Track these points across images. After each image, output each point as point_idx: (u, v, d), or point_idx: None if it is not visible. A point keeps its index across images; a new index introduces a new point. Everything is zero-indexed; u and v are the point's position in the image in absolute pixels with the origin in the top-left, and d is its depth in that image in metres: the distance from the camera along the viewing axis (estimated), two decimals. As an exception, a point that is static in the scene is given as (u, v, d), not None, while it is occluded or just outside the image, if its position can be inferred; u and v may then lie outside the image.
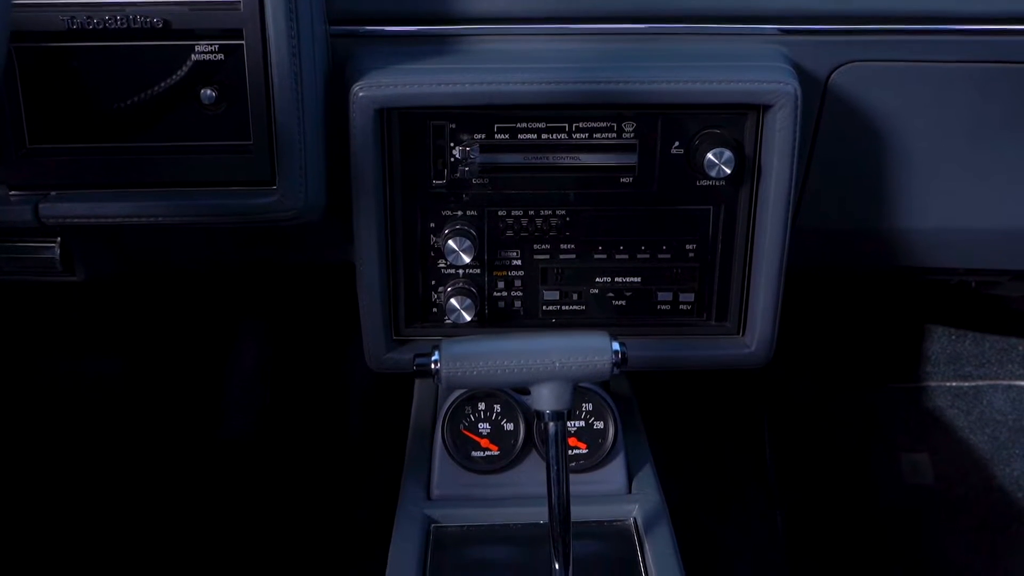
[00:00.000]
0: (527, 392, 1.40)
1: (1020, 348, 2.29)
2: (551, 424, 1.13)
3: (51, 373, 2.14)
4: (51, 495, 2.08)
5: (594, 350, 1.12)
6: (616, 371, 1.13)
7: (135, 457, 2.12)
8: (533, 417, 1.41)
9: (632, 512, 1.36)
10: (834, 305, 2.25)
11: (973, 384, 2.27)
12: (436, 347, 1.13)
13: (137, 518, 2.08)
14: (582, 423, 1.42)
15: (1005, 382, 2.27)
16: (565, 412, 1.14)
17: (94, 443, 2.12)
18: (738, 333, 1.47)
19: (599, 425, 1.42)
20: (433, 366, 1.12)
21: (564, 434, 1.14)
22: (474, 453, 1.41)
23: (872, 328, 2.30)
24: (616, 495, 1.40)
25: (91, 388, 2.14)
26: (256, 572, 2.04)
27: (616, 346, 1.12)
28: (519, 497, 1.38)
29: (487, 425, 1.42)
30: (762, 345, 1.45)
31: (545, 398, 1.12)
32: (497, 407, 1.42)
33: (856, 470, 2.20)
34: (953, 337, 2.29)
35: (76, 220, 1.29)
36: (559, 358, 1.11)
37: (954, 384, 2.28)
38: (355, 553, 1.71)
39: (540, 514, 1.33)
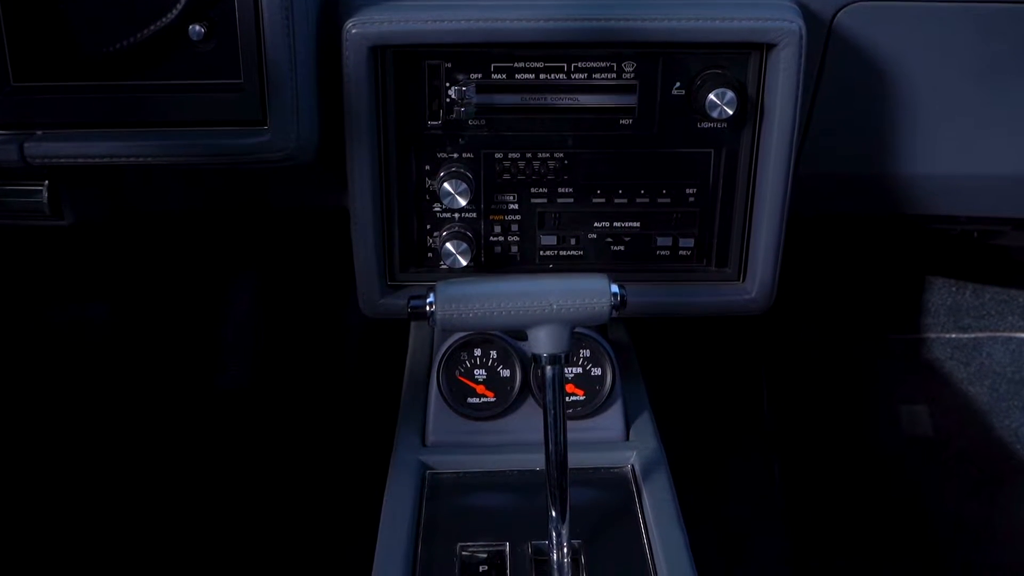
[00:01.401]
0: (524, 338, 1.38)
1: (1020, 300, 2.27)
2: (548, 368, 1.11)
3: (41, 320, 2.12)
4: (44, 442, 2.06)
5: (592, 292, 1.09)
6: (615, 314, 1.10)
7: (130, 405, 2.11)
8: (530, 363, 1.39)
9: (630, 459, 1.35)
10: (834, 255, 2.23)
11: (973, 336, 2.26)
12: (431, 289, 1.11)
13: (133, 466, 2.07)
14: (579, 369, 1.40)
15: (1005, 334, 2.26)
16: (562, 356, 1.11)
17: (87, 392, 2.11)
18: (738, 279, 1.45)
19: (596, 372, 1.40)
20: (428, 308, 1.10)
21: (561, 378, 1.12)
22: (470, 399, 1.39)
23: (872, 279, 2.28)
24: (614, 442, 1.39)
25: (83, 336, 2.12)
26: (251, 519, 2.03)
27: (615, 288, 1.10)
28: (515, 444, 1.36)
29: (483, 371, 1.40)
30: (763, 291, 1.43)
31: (542, 341, 1.10)
32: (493, 353, 1.40)
33: (854, 421, 2.19)
34: (953, 289, 2.27)
35: (63, 160, 1.26)
36: (557, 300, 1.08)
37: (954, 336, 2.26)
38: (350, 500, 1.69)
39: (536, 461, 1.32)
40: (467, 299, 1.09)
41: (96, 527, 2.02)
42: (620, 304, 1.10)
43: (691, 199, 1.40)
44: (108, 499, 2.04)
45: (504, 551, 1.19)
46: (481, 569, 1.17)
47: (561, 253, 1.43)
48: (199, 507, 2.05)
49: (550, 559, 1.16)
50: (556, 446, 1.14)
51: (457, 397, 1.39)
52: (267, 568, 1.98)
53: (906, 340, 2.27)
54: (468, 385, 1.39)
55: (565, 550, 1.15)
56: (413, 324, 1.65)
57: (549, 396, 1.12)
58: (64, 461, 2.06)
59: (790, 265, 1.46)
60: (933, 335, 2.27)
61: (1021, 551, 1.99)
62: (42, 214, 1.43)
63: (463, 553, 1.19)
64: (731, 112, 1.29)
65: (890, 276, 2.28)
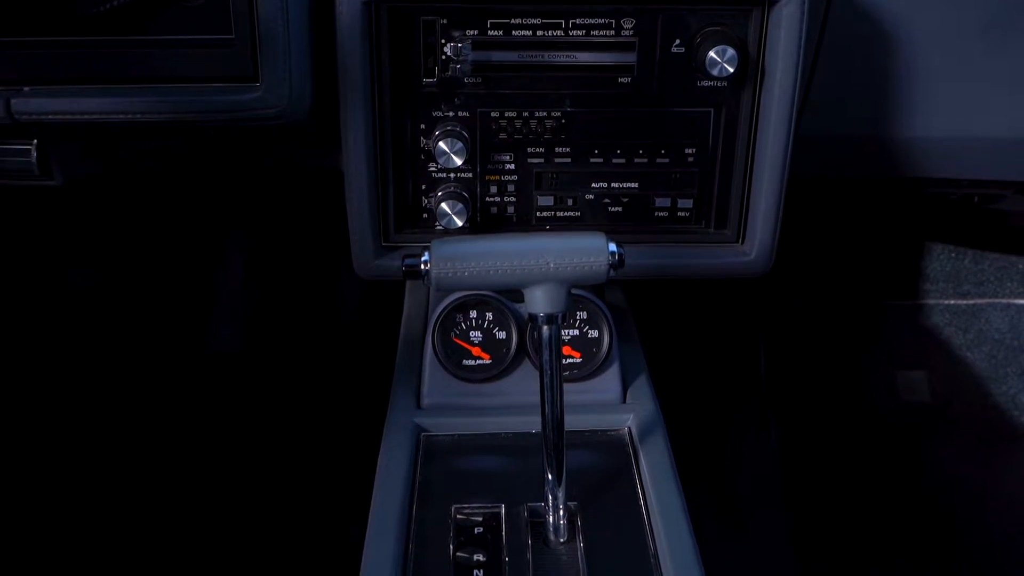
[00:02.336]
0: (520, 300, 1.37)
1: (1019, 266, 2.26)
2: (544, 328, 1.09)
3: (32, 283, 2.10)
4: (37, 405, 2.05)
5: (590, 251, 1.07)
6: (613, 274, 1.09)
7: (123, 369, 2.09)
8: (526, 325, 1.37)
9: (627, 422, 1.33)
10: (833, 220, 2.21)
11: (971, 302, 2.25)
12: (426, 248, 1.09)
13: (127, 428, 2.06)
14: (576, 331, 1.39)
15: (1003, 300, 2.25)
16: (559, 316, 1.09)
17: (80, 354, 2.09)
18: (737, 241, 1.43)
19: (593, 334, 1.39)
20: (422, 267, 1.08)
21: (558, 338, 1.10)
22: (465, 362, 1.38)
23: (871, 245, 2.26)
24: (611, 404, 1.38)
25: (76, 298, 2.10)
26: (245, 482, 2.02)
27: (613, 247, 1.08)
28: (511, 406, 1.35)
29: (478, 333, 1.38)
30: (762, 253, 1.41)
31: (539, 301, 1.08)
32: (489, 315, 1.38)
33: (852, 386, 2.19)
34: (953, 255, 2.26)
35: (51, 117, 1.24)
36: (554, 259, 1.06)
37: (952, 302, 2.25)
38: (345, 463, 1.68)
39: (532, 423, 1.31)
40: (462, 258, 1.07)
41: (91, 487, 2.01)
42: (618, 263, 1.08)
43: (690, 159, 1.38)
44: (103, 461, 2.03)
45: (499, 513, 1.18)
46: (476, 531, 1.16)
47: (558, 214, 1.41)
48: (193, 469, 2.04)
49: (546, 521, 1.15)
50: (552, 407, 1.12)
51: (452, 359, 1.37)
52: (260, 530, 1.97)
53: (904, 306, 2.26)
54: (463, 347, 1.38)
55: (561, 512, 1.14)
56: (408, 286, 1.63)
57: (546, 356, 1.10)
58: (58, 422, 2.05)
59: (789, 229, 1.45)
60: (932, 301, 2.26)
61: (1017, 515, 1.99)
62: (31, 174, 1.41)
63: (458, 515, 1.18)
64: (731, 70, 1.27)
65: (889, 242, 2.26)
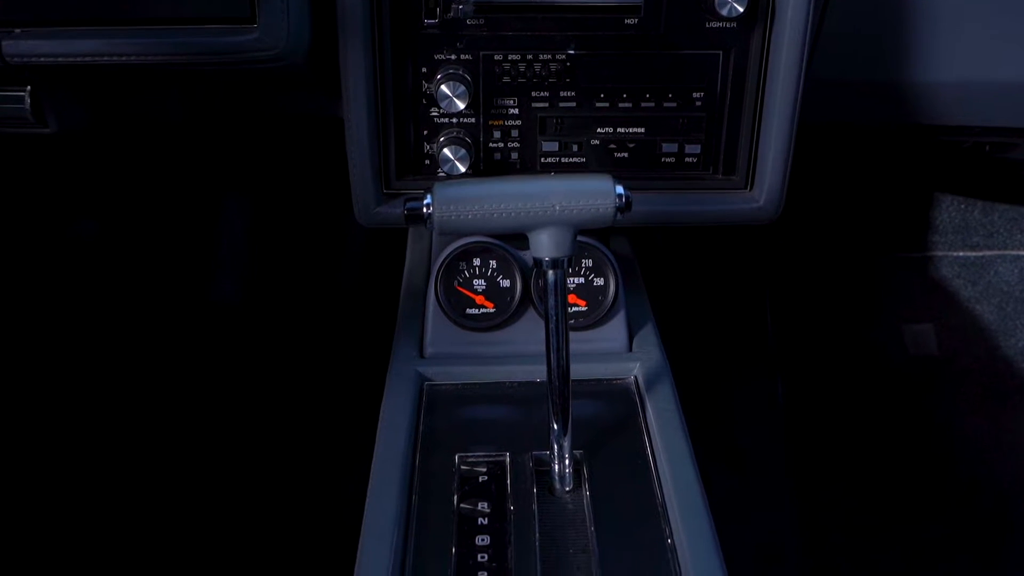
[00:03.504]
0: (524, 247, 1.34)
1: (1030, 218, 2.23)
2: (550, 273, 1.07)
3: (31, 235, 2.07)
4: (36, 358, 2.03)
5: (597, 193, 1.04)
6: (620, 217, 1.06)
7: (125, 320, 2.07)
8: (531, 272, 1.35)
9: (633, 370, 1.31)
10: (842, 169, 2.18)
11: (980, 254, 2.22)
12: (428, 190, 1.06)
13: (128, 382, 2.04)
14: (581, 279, 1.36)
15: (1013, 252, 2.22)
16: (565, 260, 1.07)
17: (79, 307, 2.07)
18: (746, 187, 1.40)
19: (599, 282, 1.36)
20: (425, 210, 1.05)
21: (564, 284, 1.08)
22: (469, 310, 1.36)
23: (880, 195, 2.23)
24: (617, 353, 1.35)
25: (74, 251, 2.08)
26: (247, 431, 2.01)
27: (620, 189, 1.05)
28: (515, 355, 1.33)
29: (482, 281, 1.36)
30: (771, 200, 1.38)
31: (544, 244, 1.05)
32: (493, 263, 1.36)
33: (859, 339, 2.16)
34: (962, 206, 2.23)
35: (43, 59, 1.21)
36: (559, 201, 1.03)
37: (961, 254, 2.22)
38: (347, 414, 1.67)
39: (537, 372, 1.29)
40: (466, 200, 1.04)
41: (91, 436, 1.99)
42: (625, 206, 1.06)
43: (698, 103, 1.35)
44: (103, 413, 2.01)
45: (504, 462, 1.17)
46: (480, 479, 1.14)
47: (563, 160, 1.38)
48: (196, 421, 2.02)
49: (551, 470, 1.13)
50: (558, 354, 1.10)
51: (456, 308, 1.35)
52: (262, 481, 1.96)
53: (913, 258, 2.23)
54: (467, 295, 1.36)
55: (567, 461, 1.12)
56: (411, 235, 1.61)
57: (551, 302, 1.08)
58: (56, 374, 2.03)
59: (797, 178, 1.42)
60: (940, 253, 2.23)
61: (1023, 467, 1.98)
62: (26, 121, 1.39)
63: (462, 465, 1.16)
64: (741, 10, 1.24)
65: (898, 193, 2.23)
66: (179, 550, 1.86)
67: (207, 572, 1.81)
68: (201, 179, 2.11)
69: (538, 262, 1.07)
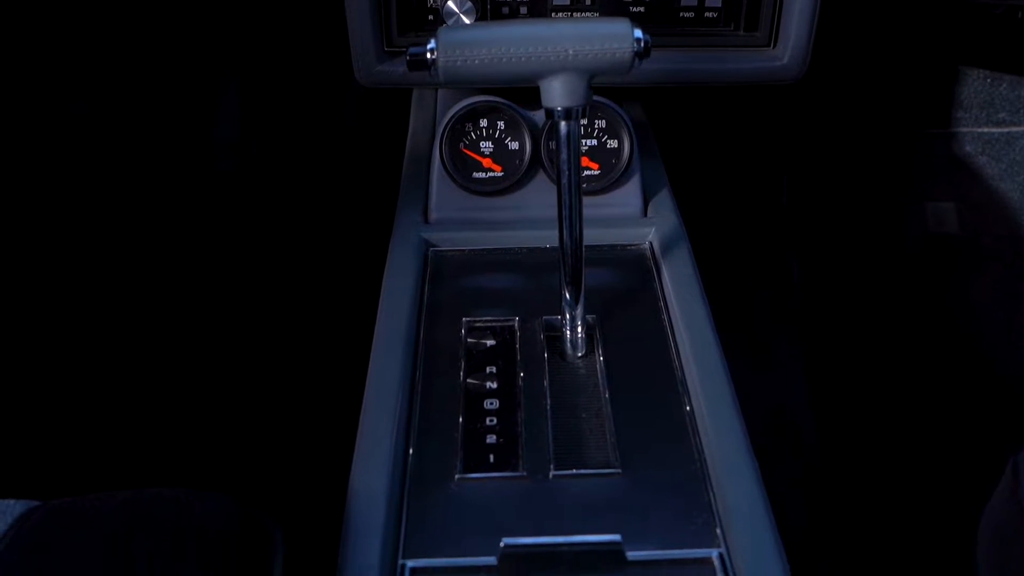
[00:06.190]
0: (533, 107, 1.27)
1: (1059, 93, 2.14)
2: (563, 124, 0.99)
3: (33, 109, 1.99)
4: (38, 235, 1.97)
5: (613, 36, 0.96)
6: (639, 63, 0.98)
7: (125, 192, 2.00)
8: (540, 133, 1.28)
9: (648, 236, 1.25)
10: (866, 40, 2.08)
11: (1006, 130, 2.13)
12: (433, 35, 0.98)
13: (130, 251, 1.98)
14: (594, 141, 1.29)
15: (1040, 129, 2.14)
16: (579, 110, 0.99)
17: (76, 179, 2.00)
18: (769, 45, 1.32)
19: (613, 144, 1.29)
20: (429, 55, 0.97)
21: (577, 136, 1.00)
22: (475, 174, 1.29)
23: (904, 68, 2.14)
24: (631, 218, 1.29)
25: (67, 127, 2.00)
26: (247, 302, 1.96)
27: (638, 33, 0.97)
28: (524, 220, 1.27)
29: (489, 144, 1.29)
30: (795, 57, 1.30)
31: (556, 92, 0.98)
32: (501, 123, 1.28)
33: (878, 217, 2.09)
34: (989, 80, 2.13)
35: None
36: (573, 46, 0.95)
37: (986, 130, 2.14)
38: (351, 281, 1.61)
39: (547, 238, 1.23)
40: (473, 44, 0.96)
41: (96, 303, 1.95)
42: (644, 51, 0.97)
43: None
44: (105, 283, 1.96)
45: (514, 326, 1.11)
46: (488, 344, 1.09)
47: (575, 14, 1.30)
48: (200, 287, 1.98)
49: (563, 335, 1.08)
50: (571, 217, 1.03)
51: (461, 171, 1.29)
52: (263, 348, 1.92)
53: (935, 134, 2.14)
54: (473, 158, 1.29)
55: (580, 330, 1.07)
56: (415, 98, 1.53)
57: (563, 156, 1.00)
58: (61, 240, 1.98)
59: (820, 43, 1.33)
60: (964, 129, 2.14)
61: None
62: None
63: (469, 330, 1.11)
64: None
65: (923, 66, 2.14)
66: (180, 415, 1.82)
67: (205, 445, 1.78)
68: (199, 45, 2.02)
69: (550, 112, 1.00)
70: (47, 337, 1.89)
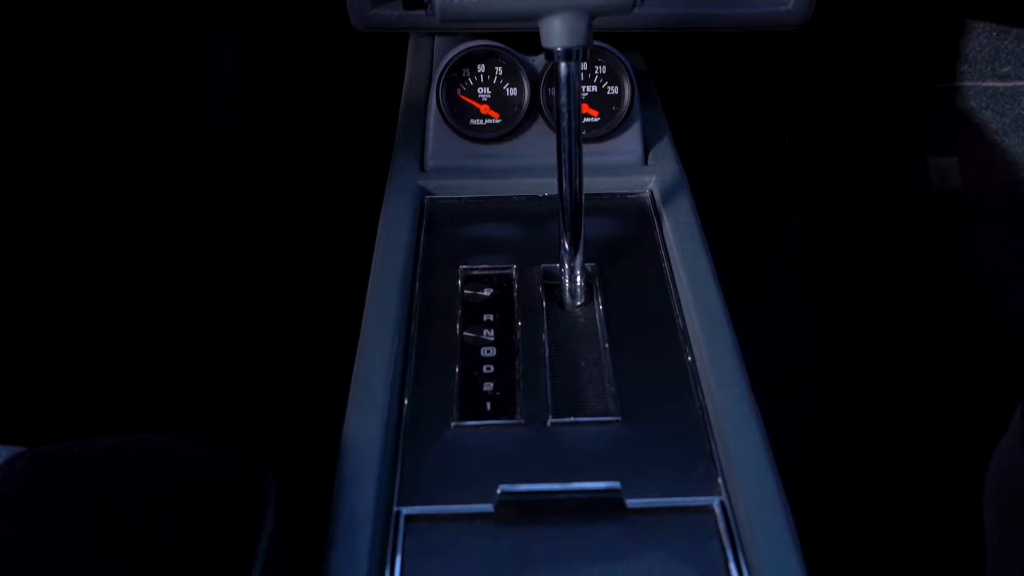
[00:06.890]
0: (532, 52, 1.24)
1: (1065, 48, 2.10)
2: (563, 65, 0.96)
3: (27, 60, 1.95)
4: (23, 188, 1.94)
5: (615, -27, 0.93)
6: (640, 3, 0.96)
7: (118, 147, 1.97)
8: (539, 80, 1.25)
9: (649, 184, 1.23)
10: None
11: (1011, 85, 2.10)
12: (430, -29, 0.95)
13: (126, 208, 1.96)
14: (594, 88, 1.26)
15: (1045, 84, 2.10)
16: (579, 51, 0.96)
17: (70, 133, 1.96)
18: (774, -11, 1.29)
19: (613, 90, 1.26)
20: (425, -8, 0.94)
21: (577, 78, 0.98)
22: (473, 121, 1.26)
23: (908, 21, 2.10)
24: (632, 166, 1.27)
25: (57, 79, 1.96)
26: (242, 254, 1.94)
27: (642, -31, 0.94)
28: (522, 168, 1.24)
29: (487, 90, 1.26)
30: (800, 2, 1.27)
31: (557, 31, 0.95)
32: (499, 69, 1.25)
33: (880, 172, 2.07)
34: (994, 34, 2.10)
35: None
36: (574, -18, 0.93)
37: (990, 84, 2.11)
38: (346, 231, 1.58)
39: (545, 186, 1.21)
40: (471, -19, 0.93)
41: (88, 256, 1.92)
42: (646, -10, 0.95)
43: None
44: (101, 239, 1.93)
45: (511, 274, 1.09)
46: (486, 292, 1.07)
47: None
48: (199, 240, 1.95)
49: (561, 283, 1.06)
50: (571, 162, 1.00)
51: (458, 118, 1.26)
52: (260, 297, 1.90)
53: (939, 88, 2.11)
54: (471, 104, 1.26)
55: (579, 279, 1.05)
56: (411, 43, 1.50)
57: (563, 99, 0.98)
58: (42, 196, 1.94)
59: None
60: (968, 83, 2.11)
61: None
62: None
63: (466, 278, 1.09)
64: None
65: (926, 19, 2.10)
66: (172, 362, 1.81)
67: (198, 393, 1.76)
68: (188, 8, 1.98)
69: (549, 53, 0.97)
70: (36, 286, 1.86)
